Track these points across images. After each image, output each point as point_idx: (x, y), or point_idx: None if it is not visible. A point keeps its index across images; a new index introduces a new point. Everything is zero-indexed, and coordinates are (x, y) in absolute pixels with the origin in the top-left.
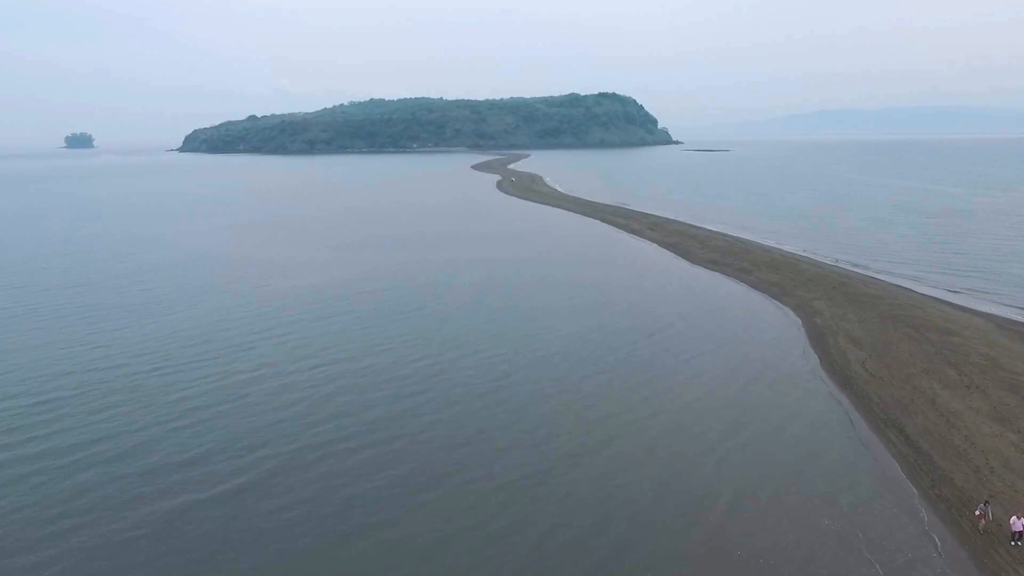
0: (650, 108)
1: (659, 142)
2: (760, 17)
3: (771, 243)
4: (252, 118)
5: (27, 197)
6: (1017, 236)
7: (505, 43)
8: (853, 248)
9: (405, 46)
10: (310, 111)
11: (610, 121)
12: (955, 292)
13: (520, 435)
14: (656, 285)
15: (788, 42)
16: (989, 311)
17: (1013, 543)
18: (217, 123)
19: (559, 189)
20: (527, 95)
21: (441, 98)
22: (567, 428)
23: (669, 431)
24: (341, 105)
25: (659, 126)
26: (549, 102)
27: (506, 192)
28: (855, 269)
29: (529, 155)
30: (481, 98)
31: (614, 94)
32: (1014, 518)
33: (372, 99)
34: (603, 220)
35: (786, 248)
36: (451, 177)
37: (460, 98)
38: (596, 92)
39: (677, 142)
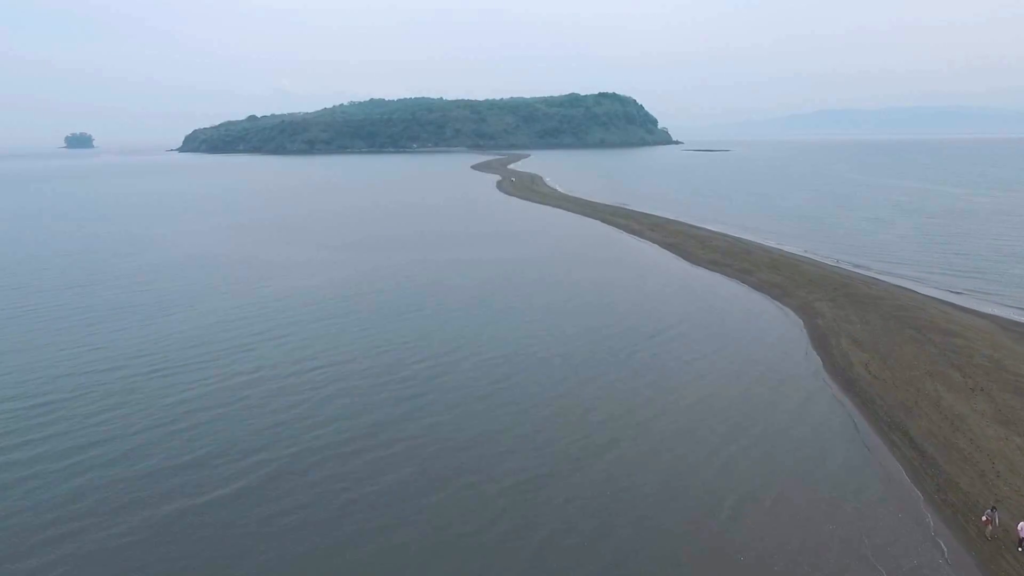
0: (650, 108)
1: (659, 142)
2: (760, 17)
3: (772, 243)
4: (252, 118)
5: (27, 197)
6: (1019, 237)
7: (505, 43)
8: (854, 248)
9: (405, 46)
10: (310, 111)
11: (610, 121)
12: (957, 293)
13: (521, 438)
14: (657, 286)
15: (788, 42)
16: (992, 312)
17: (1020, 549)
18: (217, 123)
19: (559, 189)
20: (527, 95)
21: (441, 98)
22: (568, 431)
23: (672, 434)
24: (341, 105)
25: (659, 126)
26: (549, 102)
27: (506, 192)
28: (857, 270)
29: (529, 155)
30: (481, 98)
31: (614, 94)
32: (1022, 524)
33: (372, 99)
34: (603, 220)
35: (787, 249)
36: (451, 177)
37: (460, 98)
38: (596, 92)
39: (677, 142)
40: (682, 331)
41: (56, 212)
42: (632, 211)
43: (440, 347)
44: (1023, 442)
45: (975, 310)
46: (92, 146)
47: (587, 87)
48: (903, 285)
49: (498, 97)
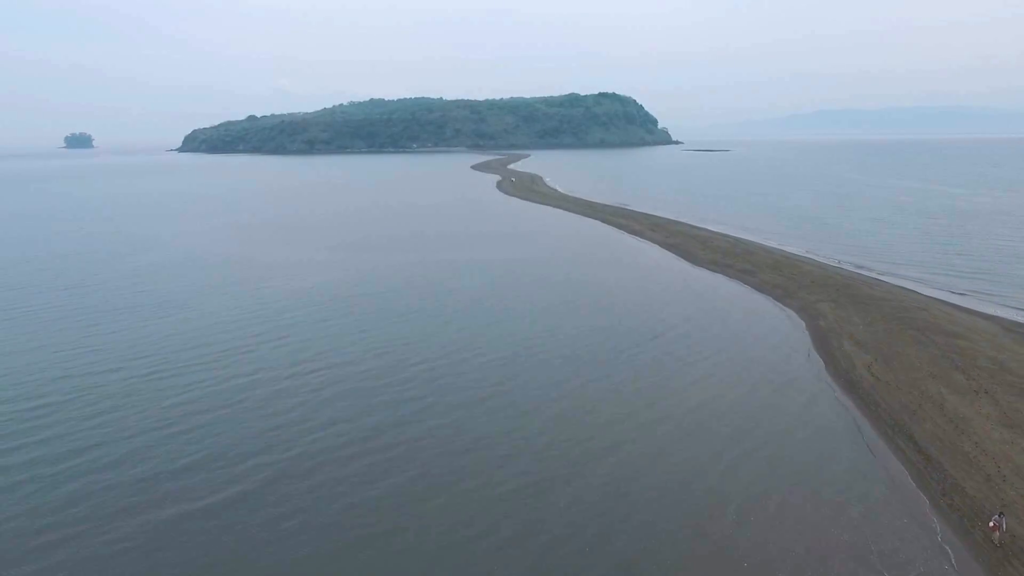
0: (650, 108)
1: (659, 142)
2: (760, 17)
3: (773, 244)
4: (252, 118)
5: (26, 197)
6: (1021, 237)
7: (505, 43)
8: (856, 249)
9: (405, 46)
10: (310, 111)
11: (610, 121)
12: (960, 294)
13: (522, 441)
14: (658, 287)
15: (788, 42)
16: (995, 313)
17: None
18: (217, 123)
19: (559, 189)
20: (527, 95)
21: (441, 98)
22: (570, 434)
23: (674, 437)
24: (341, 105)
25: (659, 126)
26: (549, 102)
27: (506, 192)
28: (858, 270)
29: (529, 155)
30: (481, 98)
31: (614, 94)
32: None
33: (372, 99)
34: (604, 221)
35: (788, 249)
36: (451, 177)
37: (460, 98)
38: (596, 92)
39: (677, 142)
40: (684, 332)
41: (55, 212)
42: (632, 211)
43: (440, 349)
44: None
45: (978, 311)
46: (92, 146)
47: (587, 87)
48: (905, 286)
49: (498, 97)
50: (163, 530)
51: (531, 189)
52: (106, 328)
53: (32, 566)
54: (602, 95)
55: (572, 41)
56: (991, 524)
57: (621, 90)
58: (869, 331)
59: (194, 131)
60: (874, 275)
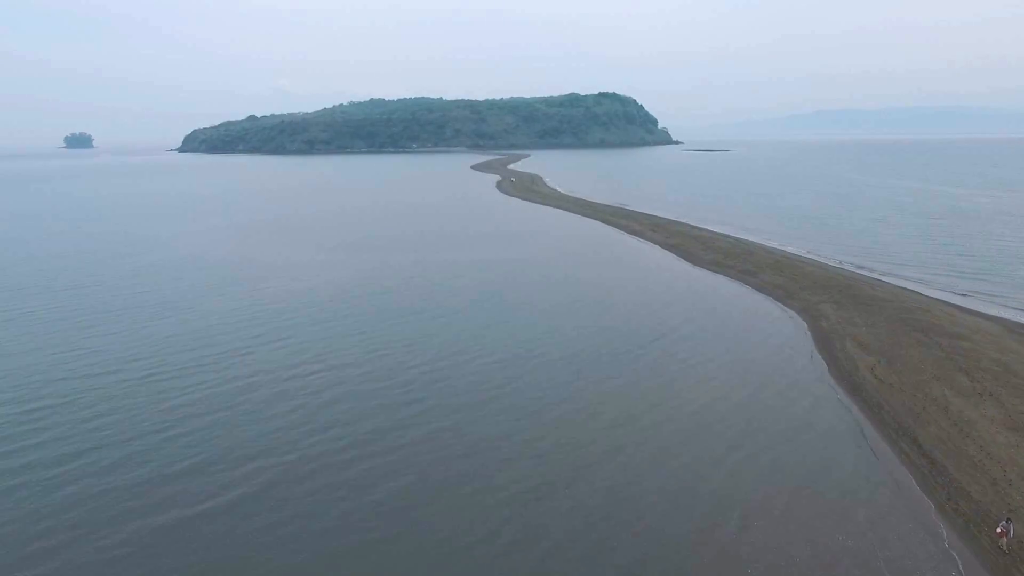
0: (650, 108)
1: (659, 142)
2: (760, 17)
3: (774, 244)
4: (251, 118)
5: (26, 197)
6: (1022, 237)
7: (505, 43)
8: (857, 249)
9: (405, 46)
10: (310, 111)
11: (610, 121)
12: (962, 295)
13: (523, 445)
14: (659, 287)
15: (788, 42)
16: (998, 314)
17: None
18: (216, 123)
19: (559, 189)
20: (527, 95)
21: (441, 98)
22: (571, 437)
23: (677, 441)
24: (341, 105)
25: (659, 126)
26: (549, 102)
27: (506, 192)
28: (860, 271)
29: (529, 155)
30: (481, 98)
31: (614, 94)
32: None
33: (372, 99)
34: (604, 221)
35: (789, 249)
36: (451, 177)
37: (460, 98)
38: (596, 92)
39: (677, 142)
40: (685, 334)
41: (54, 212)
42: (633, 211)
43: (441, 350)
44: None
45: (981, 312)
46: (92, 146)
47: (587, 87)
48: (907, 287)
49: (498, 97)
50: (160, 535)
51: (531, 189)
52: (104, 329)
53: (27, 573)
54: (602, 95)
55: (572, 41)
56: (999, 530)
57: (621, 90)
58: (872, 332)
59: (194, 131)
60: (875, 276)
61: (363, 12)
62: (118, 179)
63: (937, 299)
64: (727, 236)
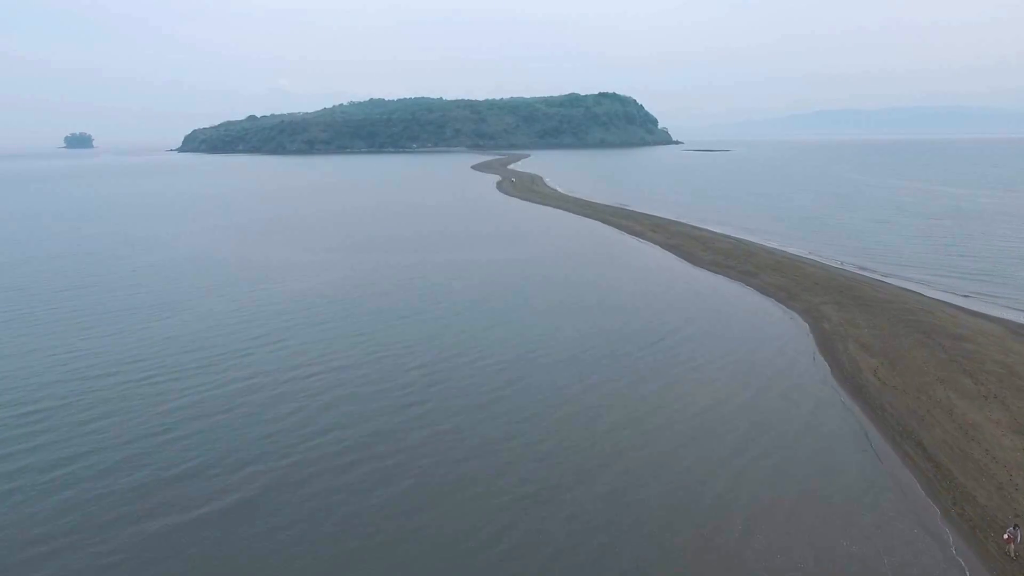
0: (650, 108)
1: (659, 142)
2: (760, 17)
3: (775, 245)
4: (251, 118)
5: (25, 197)
6: (1023, 238)
7: (505, 43)
8: (858, 250)
9: (405, 46)
10: (310, 111)
11: (610, 121)
12: (964, 296)
13: (524, 448)
14: (659, 288)
15: (788, 42)
16: (1001, 316)
17: None
18: (216, 123)
19: (559, 190)
20: (527, 95)
21: (441, 98)
22: (573, 441)
23: (679, 444)
24: (341, 105)
25: (659, 126)
26: (549, 102)
27: (506, 193)
28: (861, 272)
29: (529, 155)
30: (481, 98)
31: (614, 94)
32: None
33: (372, 99)
34: (604, 221)
35: (790, 250)
36: (451, 177)
37: (460, 98)
38: (596, 92)
39: (677, 142)
40: (687, 335)
41: (54, 213)
42: (633, 212)
43: (441, 352)
44: None
45: (983, 314)
46: (92, 146)
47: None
48: (908, 288)
49: (498, 97)
50: (158, 540)
51: (531, 189)
52: (103, 331)
53: None
54: (602, 95)
55: (572, 41)
56: (1005, 536)
57: (621, 90)
58: (874, 334)
59: (194, 131)
60: (877, 276)
61: (363, 12)
62: (118, 179)
63: (939, 300)
64: (728, 236)
